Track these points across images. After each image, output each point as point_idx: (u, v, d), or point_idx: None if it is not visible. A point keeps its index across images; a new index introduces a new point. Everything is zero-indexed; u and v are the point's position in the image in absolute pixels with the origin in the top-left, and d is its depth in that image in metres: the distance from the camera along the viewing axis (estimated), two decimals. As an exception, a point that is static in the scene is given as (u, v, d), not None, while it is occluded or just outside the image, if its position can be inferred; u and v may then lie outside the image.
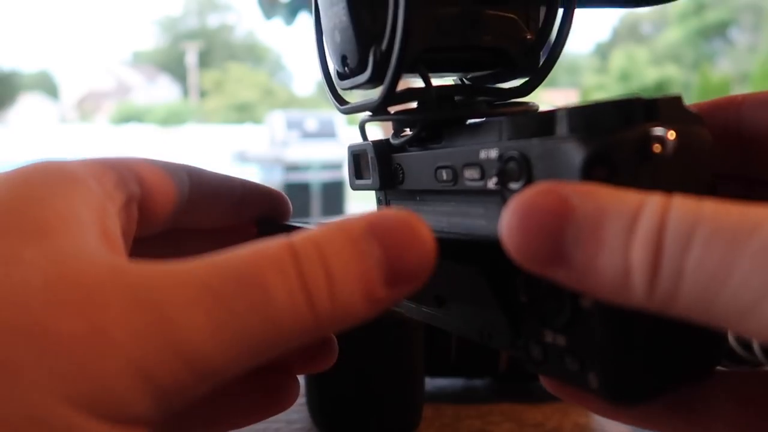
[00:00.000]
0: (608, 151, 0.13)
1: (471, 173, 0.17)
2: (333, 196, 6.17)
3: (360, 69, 0.20)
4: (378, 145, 0.21)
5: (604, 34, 43.51)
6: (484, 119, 0.19)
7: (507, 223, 0.13)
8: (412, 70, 0.19)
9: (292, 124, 6.36)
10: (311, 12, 0.24)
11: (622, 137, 0.13)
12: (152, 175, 0.20)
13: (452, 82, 0.22)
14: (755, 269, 0.10)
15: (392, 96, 0.19)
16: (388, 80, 0.19)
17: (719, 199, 0.11)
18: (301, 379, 0.36)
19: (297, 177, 6.03)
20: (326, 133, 6.38)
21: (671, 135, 0.13)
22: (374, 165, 0.21)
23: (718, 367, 0.15)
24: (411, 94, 0.20)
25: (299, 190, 6.02)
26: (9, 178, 0.16)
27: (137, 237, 0.20)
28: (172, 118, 24.00)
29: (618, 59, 33.99)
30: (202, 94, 36.27)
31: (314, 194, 6.04)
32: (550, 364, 0.15)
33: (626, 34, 42.77)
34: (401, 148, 0.21)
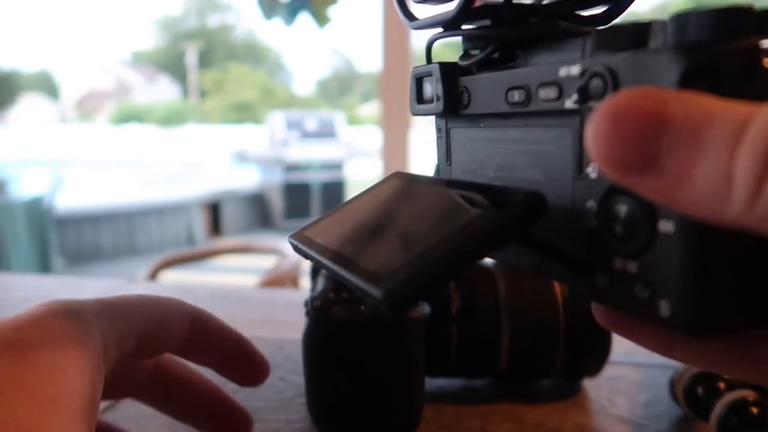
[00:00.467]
0: (711, 64, 0.12)
1: (547, 92, 0.16)
2: (333, 196, 6.18)
3: None
4: (445, 66, 0.20)
5: (604, 34, 43.43)
6: (562, 39, 0.17)
7: (596, 126, 0.12)
8: None
9: (292, 124, 6.36)
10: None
11: (728, 49, 0.12)
12: (151, 330, 0.23)
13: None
14: None
15: (467, 11, 0.18)
16: None
17: None
18: (300, 378, 0.36)
19: (297, 177, 6.03)
20: (326, 133, 6.38)
21: None
22: (439, 87, 0.20)
23: None
24: (486, 10, 0.19)
25: (299, 190, 6.03)
26: (20, 329, 0.19)
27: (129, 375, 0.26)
28: (171, 118, 24.00)
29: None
30: (202, 94, 36.25)
31: (314, 194, 6.05)
32: (615, 292, 0.14)
33: (626, 34, 42.73)
34: (469, 70, 0.20)
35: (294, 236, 0.23)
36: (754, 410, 0.31)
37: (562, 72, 0.15)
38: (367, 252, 0.18)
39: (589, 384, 0.42)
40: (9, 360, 0.17)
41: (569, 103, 0.15)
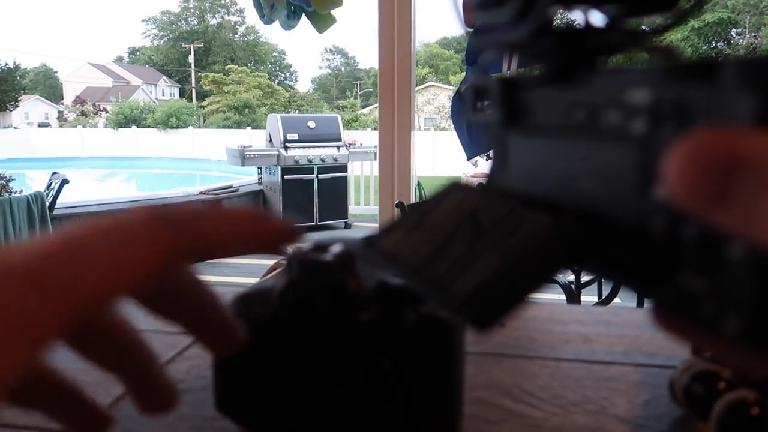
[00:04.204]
0: None
1: (612, 114, 0.16)
2: (333, 196, 6.18)
3: (501, 1, 0.20)
4: (506, 80, 0.21)
5: (604, 35, 43.38)
6: (627, 66, 0.18)
7: (674, 159, 0.13)
8: (555, 2, 0.19)
9: (292, 124, 6.37)
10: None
11: None
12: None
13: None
14: None
15: (541, 32, 0.19)
16: (535, 15, 0.18)
17: None
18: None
19: (297, 177, 6.04)
20: (326, 133, 6.38)
21: None
22: (498, 100, 0.21)
23: None
24: (553, 30, 0.19)
25: (299, 190, 6.03)
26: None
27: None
28: (171, 119, 24.00)
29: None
30: (202, 94, 36.27)
31: (314, 194, 6.05)
32: (681, 306, 0.15)
33: (626, 35, 42.67)
34: (531, 84, 0.21)
35: (369, 246, 0.23)
36: (754, 410, 0.31)
37: (631, 96, 0.16)
38: (448, 268, 0.19)
39: (589, 384, 0.42)
40: None
41: (637, 127, 0.16)
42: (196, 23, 50.14)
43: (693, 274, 0.15)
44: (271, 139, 6.30)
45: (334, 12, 2.99)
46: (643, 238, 0.16)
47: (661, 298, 0.16)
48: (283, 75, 50.12)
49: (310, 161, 6.10)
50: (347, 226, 6.19)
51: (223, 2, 50.47)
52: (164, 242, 0.21)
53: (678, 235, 0.15)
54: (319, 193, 6.12)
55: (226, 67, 35.58)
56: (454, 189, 0.23)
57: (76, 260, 0.19)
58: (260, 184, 6.36)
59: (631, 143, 0.16)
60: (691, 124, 0.14)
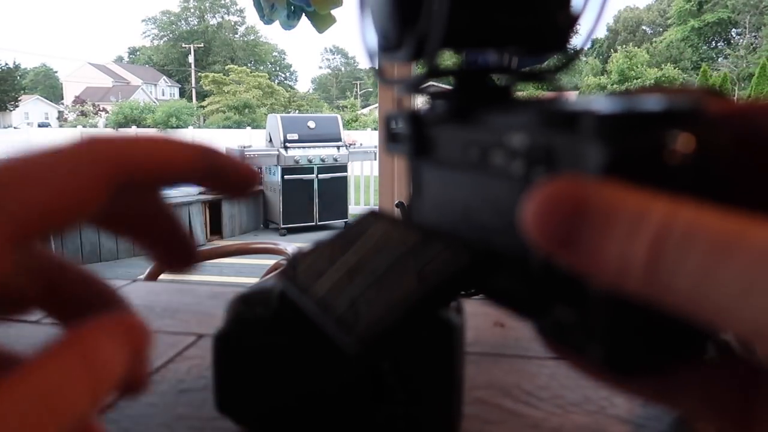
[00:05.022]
0: (625, 155, 0.14)
1: (498, 155, 0.18)
2: (333, 196, 6.18)
3: (398, 45, 0.21)
4: (413, 115, 0.23)
5: (602, 35, 43.46)
6: (517, 101, 0.20)
7: (529, 207, 0.15)
8: (447, 46, 0.21)
9: (291, 124, 6.36)
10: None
11: (640, 143, 0.14)
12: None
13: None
14: (739, 278, 0.12)
15: (429, 74, 0.21)
16: (425, 59, 0.20)
17: (724, 208, 0.13)
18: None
19: (297, 177, 6.04)
20: (326, 133, 6.38)
21: (687, 144, 0.14)
22: (407, 134, 0.23)
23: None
24: (446, 72, 0.21)
25: (299, 190, 6.03)
26: None
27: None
28: (172, 119, 23.99)
29: (617, 60, 33.98)
30: (202, 94, 36.29)
31: (314, 194, 6.05)
32: (557, 333, 0.17)
33: (626, 35, 42.74)
34: (435, 120, 0.22)
35: (287, 275, 0.25)
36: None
37: (511, 139, 0.17)
38: (342, 297, 0.21)
39: (588, 384, 0.42)
40: None
41: (516, 168, 0.17)
42: (196, 23, 50.14)
43: (563, 306, 0.17)
44: (271, 139, 6.30)
45: (334, 12, 2.99)
46: (525, 271, 0.18)
47: (540, 326, 0.18)
48: (283, 75, 50.12)
49: (310, 161, 6.10)
50: (347, 226, 6.18)
51: (223, 2, 50.48)
52: (108, 165, 0.20)
53: (551, 270, 0.16)
54: (319, 193, 6.12)
55: (226, 67, 35.59)
56: (371, 217, 0.25)
57: (26, 183, 0.19)
58: (260, 184, 6.35)
59: (512, 183, 0.18)
60: (556, 170, 0.16)
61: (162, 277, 1.71)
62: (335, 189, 6.22)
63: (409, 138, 0.23)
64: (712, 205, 0.13)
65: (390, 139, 0.24)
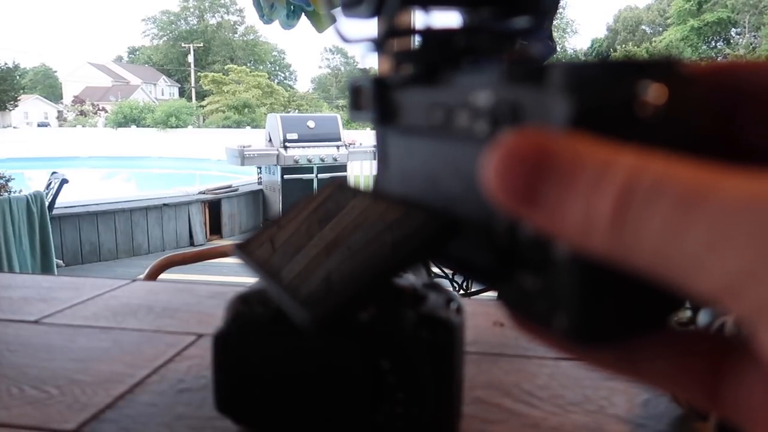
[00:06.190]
0: (594, 107, 0.13)
1: (463, 116, 0.17)
2: (332, 196, 6.13)
3: (359, 0, 0.20)
4: (377, 80, 0.22)
5: (602, 34, 43.43)
6: (482, 62, 0.19)
7: (490, 162, 0.14)
8: (410, 3, 0.20)
9: (291, 124, 6.36)
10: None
11: (609, 94, 0.13)
12: None
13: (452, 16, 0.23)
14: (707, 231, 0.11)
15: (390, 33, 0.20)
16: (386, 15, 0.19)
17: (696, 161, 0.12)
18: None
19: (296, 177, 6.03)
20: (326, 133, 6.38)
21: (659, 95, 0.13)
22: (372, 100, 0.22)
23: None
24: (411, 32, 0.20)
25: (299, 190, 6.02)
26: None
27: None
28: (171, 118, 23.98)
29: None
30: (202, 94, 36.25)
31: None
32: (522, 303, 0.16)
33: (625, 35, 42.71)
34: (400, 84, 0.21)
35: (239, 247, 0.24)
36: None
37: (476, 98, 0.17)
38: (296, 269, 0.21)
39: (588, 383, 0.42)
40: None
41: (480, 128, 0.16)
42: (195, 23, 50.08)
43: (528, 273, 0.16)
44: (270, 139, 6.30)
45: (333, 12, 2.99)
46: (489, 238, 0.17)
47: (505, 295, 0.17)
48: (283, 75, 50.06)
49: (309, 161, 6.10)
50: (347, 225, 6.17)
51: (222, 2, 50.43)
52: None
53: (516, 236, 0.16)
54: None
55: (226, 67, 35.53)
56: (334, 187, 0.24)
57: None
58: (260, 183, 6.36)
59: (476, 144, 0.17)
60: (521, 126, 0.15)
61: (162, 276, 1.71)
62: (335, 189, 6.20)
63: (372, 104, 0.22)
64: (683, 159, 0.12)
65: (354, 106, 0.23)
